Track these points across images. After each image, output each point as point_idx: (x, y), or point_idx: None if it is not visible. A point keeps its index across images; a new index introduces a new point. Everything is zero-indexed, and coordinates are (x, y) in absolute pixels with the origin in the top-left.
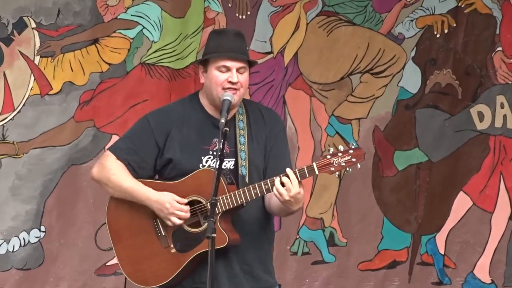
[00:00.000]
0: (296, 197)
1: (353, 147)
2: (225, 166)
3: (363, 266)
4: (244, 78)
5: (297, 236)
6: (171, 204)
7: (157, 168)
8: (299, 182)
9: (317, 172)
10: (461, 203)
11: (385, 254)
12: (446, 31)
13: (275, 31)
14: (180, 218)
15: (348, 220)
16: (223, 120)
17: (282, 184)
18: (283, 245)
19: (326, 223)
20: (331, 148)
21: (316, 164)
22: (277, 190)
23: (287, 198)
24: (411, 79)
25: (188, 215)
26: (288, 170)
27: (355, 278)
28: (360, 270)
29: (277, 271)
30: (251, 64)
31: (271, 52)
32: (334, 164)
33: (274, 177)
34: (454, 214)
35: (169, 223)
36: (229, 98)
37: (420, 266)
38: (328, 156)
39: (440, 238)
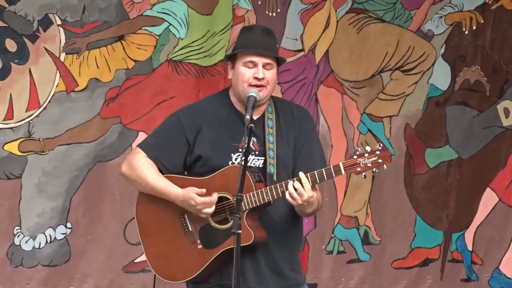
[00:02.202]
0: (309, 200)
1: (380, 148)
2: (254, 164)
3: (396, 264)
4: (270, 74)
5: (332, 235)
6: (195, 200)
7: (187, 164)
8: (312, 186)
9: (343, 172)
10: (488, 200)
11: (418, 252)
12: (474, 27)
13: (305, 29)
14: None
15: (382, 218)
16: (247, 117)
17: (295, 188)
18: (318, 244)
19: (361, 222)
20: (358, 148)
21: (342, 164)
22: (290, 195)
23: (300, 202)
24: (441, 76)
25: (213, 205)
26: (301, 174)
27: (389, 276)
28: (394, 268)
29: (313, 270)
30: (279, 61)
31: (302, 50)
32: (361, 164)
33: (288, 180)
34: (481, 211)
35: (203, 215)
36: (254, 95)
37: (451, 263)
38: (355, 157)
39: (468, 235)
